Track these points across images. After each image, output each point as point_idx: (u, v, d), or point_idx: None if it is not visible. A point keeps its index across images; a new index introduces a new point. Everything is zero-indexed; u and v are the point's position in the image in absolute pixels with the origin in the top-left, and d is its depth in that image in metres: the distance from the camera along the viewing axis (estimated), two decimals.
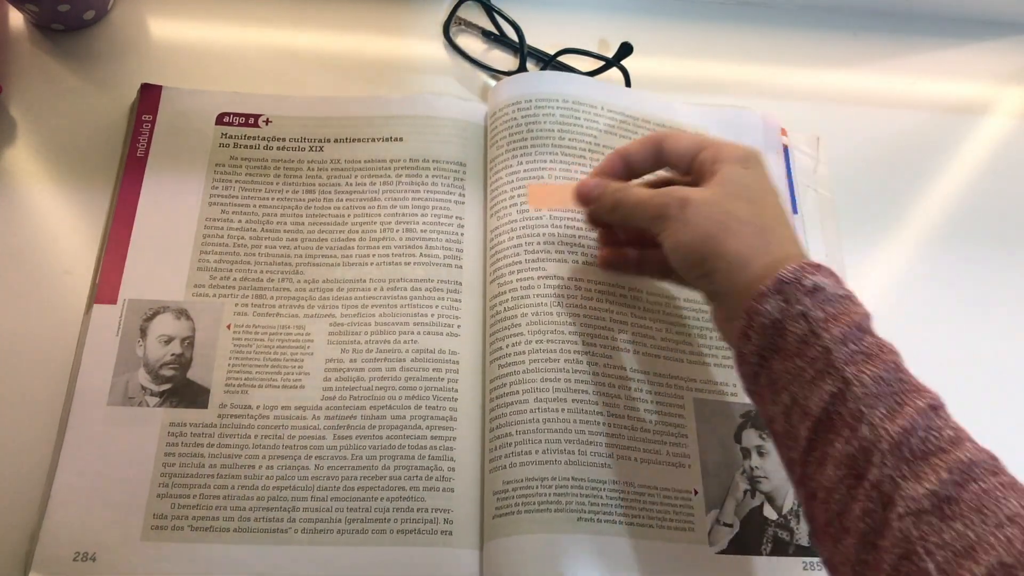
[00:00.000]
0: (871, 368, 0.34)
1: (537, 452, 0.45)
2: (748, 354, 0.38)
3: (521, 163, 0.53)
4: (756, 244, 0.39)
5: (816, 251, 0.56)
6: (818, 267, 0.37)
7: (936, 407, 0.34)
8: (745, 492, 0.47)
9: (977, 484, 0.31)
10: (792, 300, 0.36)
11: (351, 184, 0.54)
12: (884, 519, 0.31)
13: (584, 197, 0.46)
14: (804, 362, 0.35)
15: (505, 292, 0.50)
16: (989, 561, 0.28)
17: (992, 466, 0.32)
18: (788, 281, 0.36)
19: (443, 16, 0.62)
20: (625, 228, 0.48)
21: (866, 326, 0.36)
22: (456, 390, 0.48)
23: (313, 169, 0.54)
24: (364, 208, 0.53)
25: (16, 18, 0.58)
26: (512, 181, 0.53)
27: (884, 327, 0.54)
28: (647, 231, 0.42)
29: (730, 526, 0.46)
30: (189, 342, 0.48)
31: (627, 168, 0.46)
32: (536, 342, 0.48)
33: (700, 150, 0.43)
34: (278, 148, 0.54)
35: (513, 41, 0.61)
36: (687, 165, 0.44)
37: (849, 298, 0.37)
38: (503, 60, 0.62)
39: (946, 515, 0.30)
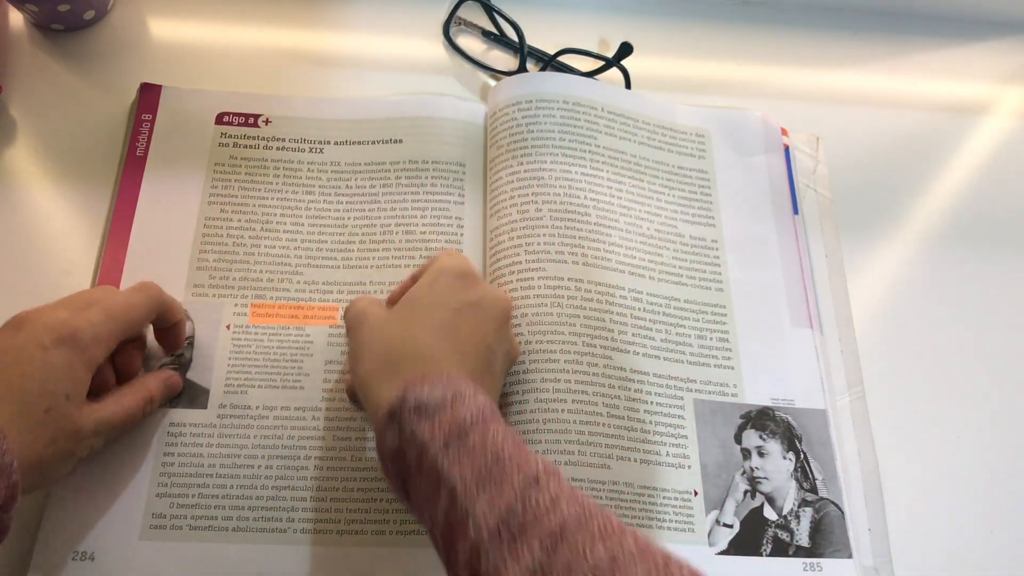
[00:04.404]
0: (472, 463, 0.34)
1: (537, 453, 0.45)
2: (397, 490, 0.38)
3: (521, 163, 0.53)
4: (381, 369, 0.39)
5: (816, 251, 0.56)
6: (423, 378, 0.37)
7: (537, 477, 0.33)
8: (745, 493, 0.47)
9: (566, 544, 0.31)
10: (404, 425, 0.36)
11: (351, 187, 0.53)
12: None
13: None
14: (424, 480, 0.35)
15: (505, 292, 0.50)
16: None
17: (584, 519, 0.32)
18: (396, 409, 0.36)
19: (443, 16, 0.62)
20: None
21: (471, 420, 0.35)
22: None
23: (313, 171, 0.54)
24: (364, 211, 0.53)
25: (16, 18, 0.58)
26: (512, 182, 0.53)
27: (884, 327, 0.55)
28: None
29: (730, 527, 0.46)
30: (189, 342, 0.48)
31: None
32: (536, 342, 0.48)
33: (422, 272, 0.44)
34: (278, 148, 0.54)
35: (513, 41, 0.61)
36: None
37: (456, 397, 0.36)
38: (503, 60, 0.62)
39: None
